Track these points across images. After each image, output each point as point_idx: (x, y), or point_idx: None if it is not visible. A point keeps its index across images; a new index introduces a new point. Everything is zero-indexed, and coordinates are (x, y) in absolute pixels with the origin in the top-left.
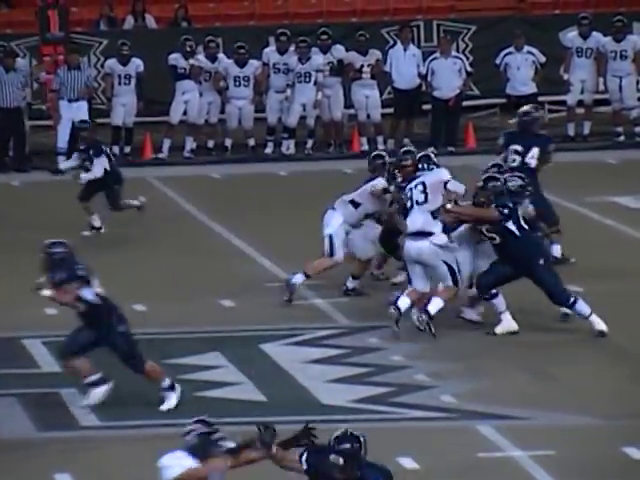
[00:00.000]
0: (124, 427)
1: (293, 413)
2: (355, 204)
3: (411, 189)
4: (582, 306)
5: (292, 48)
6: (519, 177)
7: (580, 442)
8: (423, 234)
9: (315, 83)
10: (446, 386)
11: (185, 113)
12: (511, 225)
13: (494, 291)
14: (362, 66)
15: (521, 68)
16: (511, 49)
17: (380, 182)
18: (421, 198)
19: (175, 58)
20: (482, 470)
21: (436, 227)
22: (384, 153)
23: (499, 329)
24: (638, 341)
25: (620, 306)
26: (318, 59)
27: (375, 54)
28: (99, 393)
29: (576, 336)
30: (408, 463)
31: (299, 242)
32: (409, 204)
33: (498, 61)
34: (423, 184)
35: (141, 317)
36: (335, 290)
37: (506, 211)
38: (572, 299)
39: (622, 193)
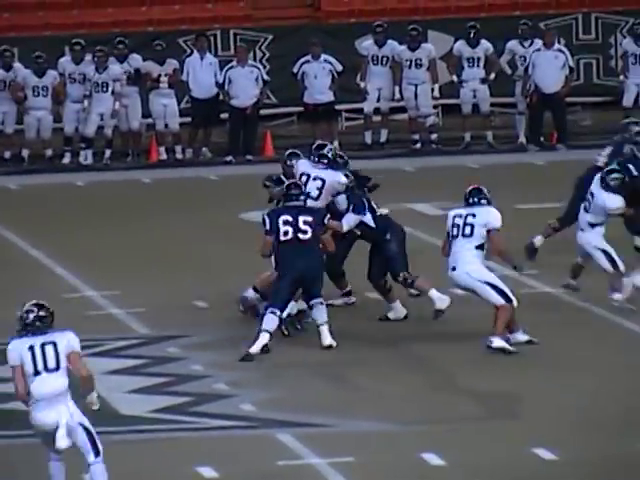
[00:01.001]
0: None
1: (91, 424)
2: None
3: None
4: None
5: (88, 57)
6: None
7: (379, 448)
8: None
9: (112, 92)
10: (246, 395)
11: None
12: (367, 219)
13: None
14: (159, 75)
15: (318, 76)
16: (308, 57)
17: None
18: (315, 193)
19: None
20: (282, 478)
21: None
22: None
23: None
24: (434, 348)
25: (423, 310)
26: (115, 68)
27: (172, 63)
28: None
29: (375, 342)
30: (207, 472)
31: (97, 252)
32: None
33: (295, 70)
34: (322, 180)
35: None
36: (134, 299)
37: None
38: (411, 280)
39: (418, 200)
